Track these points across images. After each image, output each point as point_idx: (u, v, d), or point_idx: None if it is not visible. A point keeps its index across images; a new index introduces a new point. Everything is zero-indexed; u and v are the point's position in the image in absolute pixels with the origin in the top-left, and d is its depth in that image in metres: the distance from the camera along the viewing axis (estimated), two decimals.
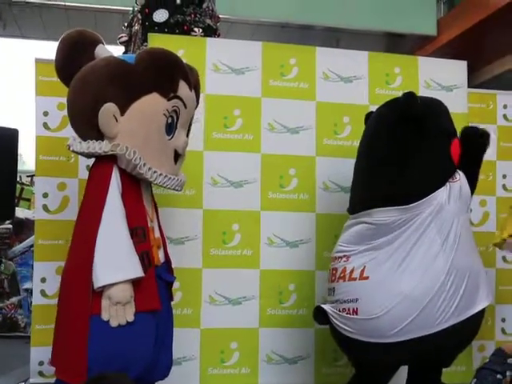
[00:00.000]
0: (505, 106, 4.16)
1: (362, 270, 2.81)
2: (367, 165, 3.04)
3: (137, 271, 2.32)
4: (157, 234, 2.61)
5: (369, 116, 3.23)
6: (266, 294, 3.54)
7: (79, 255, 2.37)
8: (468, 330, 2.85)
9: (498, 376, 2.37)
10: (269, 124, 3.63)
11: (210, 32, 4.23)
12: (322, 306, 2.98)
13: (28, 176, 8.11)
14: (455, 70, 3.96)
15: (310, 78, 3.71)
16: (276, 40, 4.95)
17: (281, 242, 3.59)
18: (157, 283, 2.45)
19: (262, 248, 3.56)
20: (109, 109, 2.35)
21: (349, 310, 2.82)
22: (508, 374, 2.44)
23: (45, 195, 3.56)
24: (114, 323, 2.27)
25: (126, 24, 4.55)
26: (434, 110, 2.99)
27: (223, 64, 3.60)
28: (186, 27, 4.09)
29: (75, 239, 2.45)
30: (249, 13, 9.26)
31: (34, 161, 3.60)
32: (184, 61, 2.61)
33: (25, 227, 7.83)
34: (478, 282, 2.86)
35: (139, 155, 2.38)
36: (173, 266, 2.73)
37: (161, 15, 4.14)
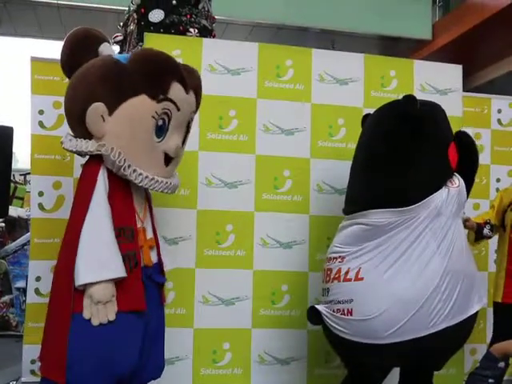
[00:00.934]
0: (499, 111, 4.19)
1: (358, 271, 2.81)
2: (365, 165, 3.05)
3: (118, 271, 2.31)
4: (149, 235, 2.59)
5: (365, 118, 3.24)
6: (259, 294, 3.54)
7: (65, 254, 2.38)
8: (461, 333, 2.86)
9: (490, 381, 2.35)
10: (264, 125, 3.63)
11: (206, 33, 4.22)
12: (316, 306, 2.98)
13: (21, 174, 8.09)
14: (450, 74, 3.98)
15: (306, 79, 3.72)
16: (271, 42, 4.95)
17: (274, 243, 3.59)
18: (145, 284, 2.44)
19: (256, 249, 3.56)
20: (97, 108, 2.34)
21: (343, 310, 2.83)
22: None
23: (40, 194, 3.55)
24: (95, 322, 2.28)
25: (121, 23, 4.54)
26: (433, 113, 3.01)
27: (219, 64, 3.60)
28: (181, 28, 4.07)
29: (64, 238, 2.45)
30: (245, 14, 9.29)
31: (29, 159, 3.59)
32: (181, 61, 2.60)
33: (17, 226, 7.83)
34: (473, 286, 2.87)
35: (124, 156, 2.37)
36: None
37: (156, 15, 4.12)
